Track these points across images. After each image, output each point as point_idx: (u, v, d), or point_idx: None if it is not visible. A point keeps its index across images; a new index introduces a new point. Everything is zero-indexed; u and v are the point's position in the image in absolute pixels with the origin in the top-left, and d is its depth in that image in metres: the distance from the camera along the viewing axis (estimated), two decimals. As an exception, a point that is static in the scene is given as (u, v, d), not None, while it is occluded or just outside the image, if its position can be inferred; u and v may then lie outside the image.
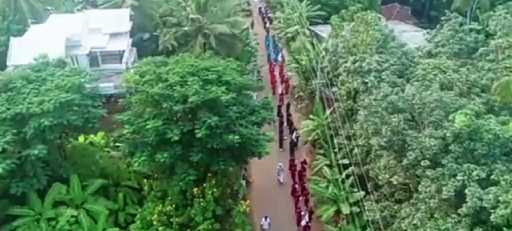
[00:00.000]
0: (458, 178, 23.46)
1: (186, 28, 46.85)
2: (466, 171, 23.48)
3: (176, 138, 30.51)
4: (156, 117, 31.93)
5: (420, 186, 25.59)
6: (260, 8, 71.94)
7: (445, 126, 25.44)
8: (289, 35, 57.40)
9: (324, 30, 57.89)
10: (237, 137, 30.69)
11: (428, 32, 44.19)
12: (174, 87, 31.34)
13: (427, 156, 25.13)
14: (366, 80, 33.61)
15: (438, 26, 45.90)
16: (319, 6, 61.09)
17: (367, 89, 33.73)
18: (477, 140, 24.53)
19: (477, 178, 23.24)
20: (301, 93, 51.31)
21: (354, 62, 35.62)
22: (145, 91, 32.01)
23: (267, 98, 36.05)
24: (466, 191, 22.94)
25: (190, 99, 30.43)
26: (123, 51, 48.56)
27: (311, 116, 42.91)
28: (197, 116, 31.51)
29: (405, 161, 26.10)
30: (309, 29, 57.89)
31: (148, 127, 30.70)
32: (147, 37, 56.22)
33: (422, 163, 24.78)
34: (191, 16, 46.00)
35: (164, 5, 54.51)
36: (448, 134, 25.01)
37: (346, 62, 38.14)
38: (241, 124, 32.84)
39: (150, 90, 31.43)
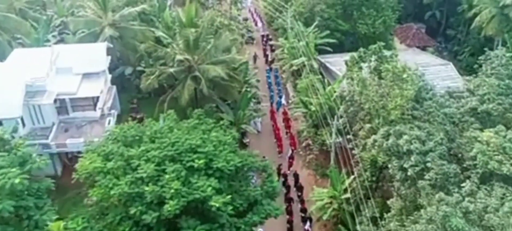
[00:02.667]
0: None
1: (172, 70, 37.32)
2: None
3: (147, 259, 21.37)
4: (122, 221, 22.74)
5: None
6: (262, 36, 62.25)
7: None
8: (295, 68, 47.90)
9: (334, 62, 48.49)
10: (232, 256, 21.57)
11: (468, 81, 34.78)
12: (146, 185, 22.08)
13: None
14: (406, 166, 24.22)
15: (475, 64, 37.42)
16: (327, 32, 51.48)
17: (407, 178, 24.44)
18: None
19: None
20: (309, 142, 41.92)
21: (386, 136, 26.21)
22: (107, 187, 22.69)
23: (271, 180, 26.69)
24: None
25: (167, 207, 21.20)
26: (97, 97, 39.08)
27: (325, 190, 33.46)
28: (177, 224, 22.33)
29: None
30: (317, 61, 48.47)
31: (108, 244, 21.49)
32: (129, 72, 46.83)
33: None
34: (177, 57, 36.45)
35: (148, 39, 44.80)
36: None
37: (372, 128, 28.91)
38: (238, 227, 23.72)
39: (113, 190, 22.10)
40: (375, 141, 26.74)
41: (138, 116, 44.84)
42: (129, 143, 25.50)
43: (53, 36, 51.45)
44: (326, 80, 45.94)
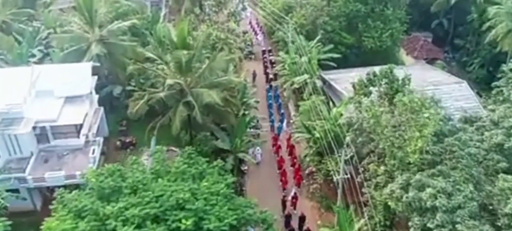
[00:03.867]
0: None
1: (162, 94, 33.31)
2: None
3: None
4: None
5: None
6: (263, 51, 56.96)
7: None
8: (296, 86, 43.90)
9: (338, 79, 44.58)
10: None
11: (489, 109, 30.78)
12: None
13: None
14: (430, 226, 20.31)
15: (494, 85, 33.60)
16: (331, 46, 47.50)
17: (431, 239, 20.56)
18: None
19: None
20: (313, 170, 38.01)
21: (405, 187, 22.28)
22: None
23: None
24: None
25: None
26: (81, 125, 35.13)
27: (333, 234, 29.55)
28: None
29: None
30: (320, 78, 44.58)
31: None
32: (118, 92, 42.76)
33: None
34: (168, 82, 32.46)
35: (138, 56, 40.70)
36: None
37: (387, 170, 24.99)
38: None
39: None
40: (392, 191, 22.79)
41: (127, 140, 40.99)
42: (106, 195, 21.54)
43: (39, 50, 47.47)
44: (330, 101, 42.06)
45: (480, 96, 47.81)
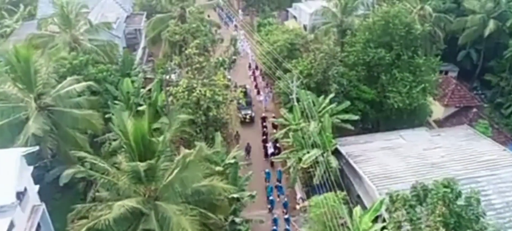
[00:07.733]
0: None
1: (110, 218, 21.09)
2: None
3: None
4: None
5: None
6: (264, 117, 42.22)
7: None
8: (304, 165, 31.88)
9: (360, 156, 32.60)
10: None
11: None
12: None
13: None
14: None
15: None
16: (347, 103, 35.48)
17: None
18: None
19: None
20: None
21: None
22: None
23: None
24: None
25: None
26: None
27: None
28: None
29: None
30: (335, 155, 32.58)
31: None
32: (66, 180, 30.47)
33: None
34: (116, 208, 20.44)
35: (95, 128, 28.81)
36: None
37: None
38: None
39: None
40: None
41: (80, 250, 29.09)
42: None
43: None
44: (349, 191, 30.22)
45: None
